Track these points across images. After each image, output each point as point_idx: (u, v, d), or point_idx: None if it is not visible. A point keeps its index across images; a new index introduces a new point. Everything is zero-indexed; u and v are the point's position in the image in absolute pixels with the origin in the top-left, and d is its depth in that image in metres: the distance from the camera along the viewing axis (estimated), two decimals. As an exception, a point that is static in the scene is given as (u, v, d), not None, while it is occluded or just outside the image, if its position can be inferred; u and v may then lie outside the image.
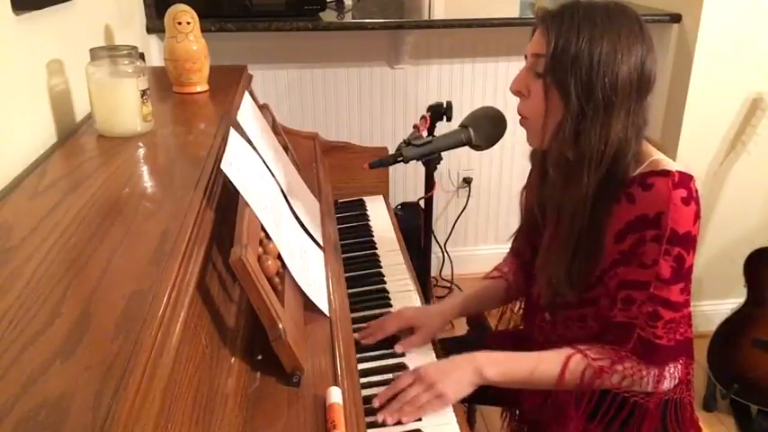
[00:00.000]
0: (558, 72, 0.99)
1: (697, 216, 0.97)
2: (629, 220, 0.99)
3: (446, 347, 1.15)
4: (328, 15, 2.24)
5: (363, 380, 1.05)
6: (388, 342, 1.18)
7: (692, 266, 0.99)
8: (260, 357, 0.89)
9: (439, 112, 1.55)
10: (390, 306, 1.29)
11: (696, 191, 0.97)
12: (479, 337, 1.41)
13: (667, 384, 1.05)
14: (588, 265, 1.04)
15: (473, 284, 1.36)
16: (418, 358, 1.14)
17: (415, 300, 1.33)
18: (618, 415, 1.07)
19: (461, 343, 1.36)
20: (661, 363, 1.02)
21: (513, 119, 1.16)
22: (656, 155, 1.02)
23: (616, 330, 1.02)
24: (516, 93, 1.07)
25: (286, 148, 1.41)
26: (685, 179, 0.96)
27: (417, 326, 1.20)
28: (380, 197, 1.78)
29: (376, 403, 1.02)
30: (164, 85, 1.45)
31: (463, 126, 1.30)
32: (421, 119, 1.46)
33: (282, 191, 1.17)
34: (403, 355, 1.14)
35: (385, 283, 1.39)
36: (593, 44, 0.96)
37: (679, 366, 1.04)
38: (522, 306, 1.32)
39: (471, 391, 1.05)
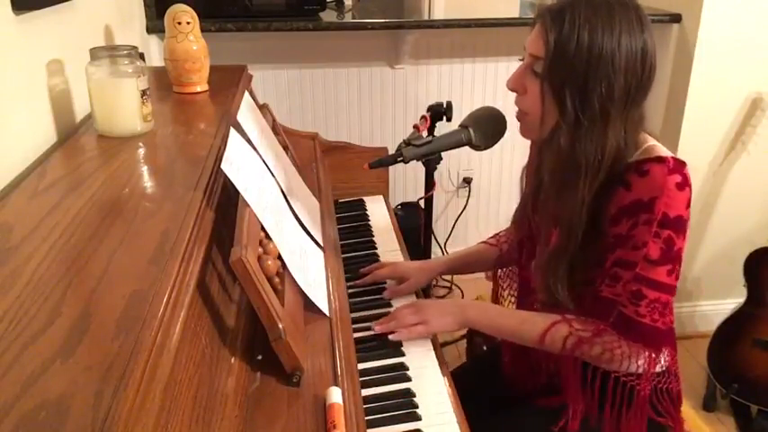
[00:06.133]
0: (554, 80, 1.00)
1: (689, 201, 0.99)
2: (623, 206, 1.00)
3: (457, 379, 1.16)
4: (328, 15, 2.24)
5: (363, 380, 1.05)
6: (387, 342, 1.18)
7: (681, 250, 1.01)
8: (260, 357, 0.89)
9: (439, 112, 1.55)
10: (390, 306, 1.29)
11: (689, 176, 0.99)
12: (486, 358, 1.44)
13: (658, 369, 1.08)
14: (588, 273, 1.06)
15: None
16: (418, 358, 1.14)
17: (414, 299, 1.33)
18: (614, 398, 1.09)
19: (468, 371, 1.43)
20: (645, 342, 1.03)
21: (512, 119, 1.16)
22: (650, 141, 1.03)
23: (600, 305, 1.05)
24: (513, 90, 1.09)
25: (286, 148, 1.41)
26: (679, 165, 0.99)
27: (406, 278, 1.33)
28: (380, 197, 1.77)
29: (375, 328, 1.17)
30: (164, 85, 1.45)
31: (463, 126, 1.30)
32: (421, 119, 1.46)
33: (282, 191, 1.17)
34: (403, 354, 1.14)
35: (385, 283, 1.38)
36: (591, 54, 0.96)
37: (666, 353, 1.08)
38: (516, 293, 1.34)
39: (454, 328, 1.17)
